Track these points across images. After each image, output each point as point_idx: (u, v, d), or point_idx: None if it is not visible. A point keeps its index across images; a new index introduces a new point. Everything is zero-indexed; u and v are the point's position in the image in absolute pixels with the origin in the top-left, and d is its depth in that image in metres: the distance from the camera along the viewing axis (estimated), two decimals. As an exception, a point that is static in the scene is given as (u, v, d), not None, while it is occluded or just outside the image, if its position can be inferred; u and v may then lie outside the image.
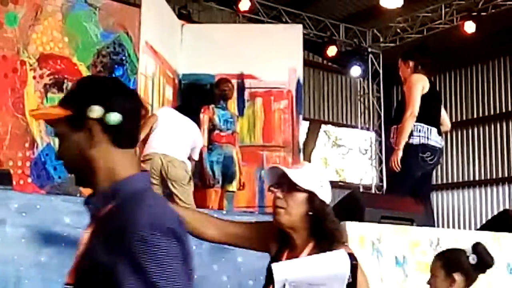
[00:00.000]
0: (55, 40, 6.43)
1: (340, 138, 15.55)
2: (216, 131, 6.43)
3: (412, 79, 5.10)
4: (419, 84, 5.06)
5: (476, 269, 2.80)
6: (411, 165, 5.03)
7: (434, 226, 5.16)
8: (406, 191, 4.97)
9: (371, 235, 3.61)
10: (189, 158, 5.88)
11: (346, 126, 14.07)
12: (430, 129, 5.06)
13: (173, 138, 5.62)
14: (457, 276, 2.76)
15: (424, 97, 5.03)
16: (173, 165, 5.56)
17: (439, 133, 5.16)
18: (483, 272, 2.86)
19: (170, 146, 5.58)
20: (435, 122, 5.13)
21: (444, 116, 5.42)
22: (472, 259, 2.76)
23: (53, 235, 2.51)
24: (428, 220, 4.44)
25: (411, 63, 5.20)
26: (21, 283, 2.37)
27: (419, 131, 5.03)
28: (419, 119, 5.04)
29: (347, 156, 15.44)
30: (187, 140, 5.80)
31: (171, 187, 5.53)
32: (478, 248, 2.80)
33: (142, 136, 5.56)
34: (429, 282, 2.86)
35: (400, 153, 4.95)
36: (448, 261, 2.79)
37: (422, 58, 5.28)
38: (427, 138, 5.04)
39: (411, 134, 5.02)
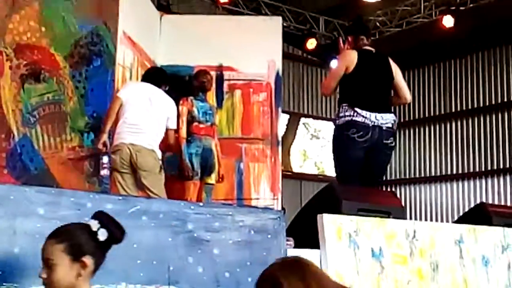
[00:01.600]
0: (32, 30, 6.35)
1: (319, 130, 15.59)
2: (195, 123, 6.41)
3: (338, 57, 5.10)
4: (342, 62, 5.01)
5: (105, 245, 2.29)
6: (341, 146, 4.96)
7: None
8: (351, 174, 4.87)
9: (348, 227, 3.62)
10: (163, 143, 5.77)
11: (326, 119, 14.11)
12: (355, 110, 4.88)
13: (141, 125, 5.46)
14: (88, 260, 2.24)
15: (349, 76, 4.94)
16: (142, 155, 5.44)
17: (378, 110, 4.92)
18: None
19: (138, 134, 5.45)
20: (363, 101, 4.92)
21: (399, 86, 5.21)
22: (102, 234, 2.26)
23: (26, 226, 2.48)
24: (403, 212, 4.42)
25: (350, 38, 5.16)
26: (-6, 274, 2.35)
27: (345, 111, 4.92)
28: (345, 99, 4.96)
29: (325, 149, 15.47)
30: (157, 122, 5.62)
31: (141, 178, 5.44)
32: (104, 219, 2.30)
33: (108, 125, 5.49)
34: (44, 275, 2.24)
35: None
36: (72, 245, 2.23)
37: (360, 30, 5.24)
38: (353, 116, 4.87)
39: (338, 116, 4.99)
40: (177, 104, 6.25)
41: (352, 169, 4.92)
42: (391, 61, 5.20)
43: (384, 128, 4.93)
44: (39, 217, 2.51)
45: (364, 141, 4.86)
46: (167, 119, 5.73)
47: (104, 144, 5.45)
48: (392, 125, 5.01)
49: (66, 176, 6.06)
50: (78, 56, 6.48)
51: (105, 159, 5.64)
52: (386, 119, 4.96)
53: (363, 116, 4.85)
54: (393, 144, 5.07)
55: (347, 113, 4.89)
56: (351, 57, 4.97)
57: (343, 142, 4.92)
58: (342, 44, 5.25)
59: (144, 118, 5.54)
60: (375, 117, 4.88)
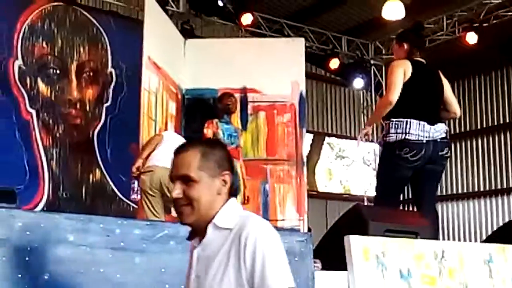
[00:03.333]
0: None
1: (343, 149, 15.55)
2: (220, 146, 6.43)
3: (392, 64, 4.80)
4: (400, 70, 4.72)
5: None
6: (391, 166, 4.75)
7: (437, 238, 4.86)
8: (393, 194, 4.75)
9: (375, 249, 3.60)
10: None
11: (350, 138, 14.07)
12: (409, 122, 4.65)
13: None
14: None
15: (403, 86, 4.68)
16: None
17: (431, 122, 4.72)
18: None
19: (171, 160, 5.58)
20: (417, 112, 4.69)
21: (449, 101, 5.01)
22: None
23: (56, 254, 2.51)
24: (431, 232, 4.35)
25: (406, 46, 4.89)
26: (25, 301, 2.38)
27: (396, 127, 4.67)
28: (396, 112, 4.69)
29: (350, 168, 15.42)
30: None
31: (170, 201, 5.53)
32: None
33: (146, 153, 5.61)
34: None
35: (366, 130, 4.81)
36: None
37: (417, 40, 4.99)
38: (405, 133, 4.64)
39: (387, 133, 4.72)
40: (202, 127, 6.31)
41: (397, 189, 4.81)
42: (441, 74, 5.04)
43: (438, 140, 4.73)
44: (69, 244, 2.54)
45: (417, 160, 4.66)
46: None
47: (138, 169, 5.56)
48: (446, 135, 4.82)
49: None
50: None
51: (136, 183, 5.73)
52: (439, 130, 4.76)
53: (415, 134, 4.64)
54: (448, 154, 4.87)
55: (399, 130, 4.66)
56: (407, 66, 4.74)
57: (394, 161, 4.71)
58: (399, 50, 4.96)
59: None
60: (430, 129, 4.69)
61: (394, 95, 4.65)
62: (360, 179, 13.98)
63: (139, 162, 5.60)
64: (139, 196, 5.74)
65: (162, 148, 5.66)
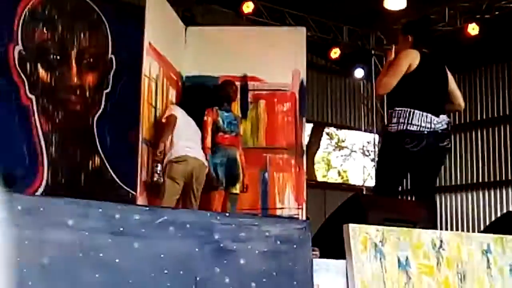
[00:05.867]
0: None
1: (343, 139, 15.58)
2: (220, 133, 6.45)
3: (400, 55, 4.76)
4: (405, 61, 4.68)
5: None
6: (391, 156, 4.76)
7: (435, 228, 4.92)
8: (392, 185, 4.76)
9: (374, 238, 3.61)
10: None
11: (349, 128, 14.09)
12: (412, 112, 4.64)
13: (195, 141, 6.03)
14: None
15: (409, 76, 4.67)
16: (202, 170, 6.01)
17: (435, 113, 4.71)
18: None
19: (197, 149, 5.96)
20: (421, 103, 4.69)
21: (454, 93, 5.01)
22: None
23: (56, 238, 2.51)
24: (429, 222, 4.37)
25: (410, 38, 4.86)
26: (24, 285, 2.38)
27: (399, 116, 4.66)
28: (400, 102, 4.69)
29: (350, 158, 15.44)
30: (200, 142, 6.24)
31: (194, 190, 5.86)
32: None
33: (167, 136, 5.79)
34: None
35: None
36: None
37: (423, 33, 4.96)
38: (407, 123, 4.63)
39: (390, 122, 4.72)
40: (202, 115, 6.33)
41: (397, 180, 4.82)
42: (445, 67, 5.03)
43: (439, 131, 4.72)
44: (68, 228, 2.54)
45: (418, 151, 4.65)
46: None
47: (161, 153, 5.78)
48: (447, 126, 4.81)
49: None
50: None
51: (160, 167, 5.90)
52: (441, 121, 4.75)
53: (417, 125, 4.63)
54: (449, 146, 4.87)
55: (401, 120, 4.65)
56: (415, 56, 4.71)
57: (394, 152, 4.72)
58: (404, 42, 4.91)
59: (194, 133, 6.20)
60: (432, 120, 4.67)
61: (391, 80, 4.65)
62: (358, 169, 14.02)
63: (161, 146, 5.80)
64: (161, 179, 5.86)
65: (181, 133, 5.99)
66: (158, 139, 5.95)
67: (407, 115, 4.64)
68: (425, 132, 4.66)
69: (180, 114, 6.18)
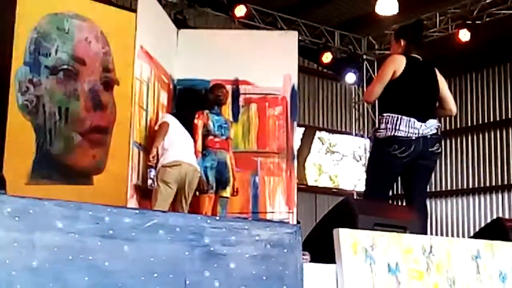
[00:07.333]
0: None
1: (334, 144, 15.60)
2: (210, 137, 6.45)
3: (385, 61, 4.77)
4: (389, 67, 4.68)
5: None
6: (380, 161, 4.76)
7: (426, 233, 4.81)
8: (382, 190, 4.76)
9: (364, 242, 3.61)
10: None
11: (341, 132, 14.11)
12: (399, 118, 4.63)
13: (189, 147, 6.06)
14: None
15: (395, 82, 4.66)
16: (195, 176, 6.03)
17: (422, 119, 4.68)
18: None
19: (191, 155, 6.01)
20: (408, 109, 4.66)
21: (445, 98, 4.98)
22: None
23: (45, 240, 2.50)
24: (420, 227, 4.37)
25: (402, 42, 4.87)
26: (12, 287, 2.36)
27: (387, 122, 4.65)
28: (387, 107, 4.69)
29: (341, 163, 15.46)
30: (191, 144, 6.31)
31: (186, 195, 5.90)
32: None
33: (159, 142, 5.92)
34: None
35: None
36: None
37: (415, 38, 4.93)
38: (394, 129, 4.62)
39: (378, 128, 4.71)
40: (193, 118, 6.33)
41: (386, 185, 4.82)
42: (437, 72, 5.01)
43: (428, 136, 4.71)
44: (58, 231, 2.53)
45: (406, 156, 4.64)
46: None
47: (154, 158, 5.81)
48: (437, 131, 4.79)
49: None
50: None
51: (153, 172, 5.93)
52: (430, 126, 4.73)
53: (405, 131, 4.61)
54: (439, 150, 4.83)
55: (388, 125, 4.64)
56: (400, 62, 4.71)
57: (383, 158, 4.71)
58: (396, 46, 4.93)
59: (186, 140, 6.25)
60: (420, 126, 4.66)
61: (373, 92, 4.72)
62: (349, 174, 14.03)
63: (154, 152, 5.82)
64: (155, 184, 5.89)
65: (174, 139, 6.05)
66: (151, 145, 5.97)
67: (394, 120, 4.64)
68: (413, 138, 4.65)
69: (172, 121, 6.22)
